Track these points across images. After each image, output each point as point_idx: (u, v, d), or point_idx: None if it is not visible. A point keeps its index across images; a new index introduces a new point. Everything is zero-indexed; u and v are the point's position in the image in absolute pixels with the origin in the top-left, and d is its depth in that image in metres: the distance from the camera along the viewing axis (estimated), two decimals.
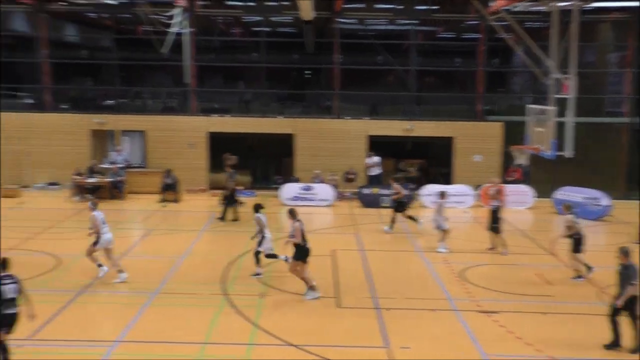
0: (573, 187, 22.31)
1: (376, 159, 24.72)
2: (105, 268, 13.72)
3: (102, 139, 26.37)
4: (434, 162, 28.17)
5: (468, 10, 26.25)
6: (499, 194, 17.32)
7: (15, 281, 9.11)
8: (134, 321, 11.39)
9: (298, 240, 12.72)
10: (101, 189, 23.40)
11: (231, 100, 29.42)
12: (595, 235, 18.27)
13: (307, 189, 23.54)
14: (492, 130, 25.72)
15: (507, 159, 24.47)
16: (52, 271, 14.05)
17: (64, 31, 31.36)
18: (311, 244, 17.20)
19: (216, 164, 24.38)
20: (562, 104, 18.71)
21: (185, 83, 26.39)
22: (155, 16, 24.56)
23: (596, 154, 25.50)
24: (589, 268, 14.42)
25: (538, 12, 22.72)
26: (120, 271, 13.72)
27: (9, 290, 8.96)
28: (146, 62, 27.82)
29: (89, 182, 23.26)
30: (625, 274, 10.27)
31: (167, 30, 23.86)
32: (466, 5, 25.39)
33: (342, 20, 27.49)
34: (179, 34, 24.68)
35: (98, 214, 13.70)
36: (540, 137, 19.03)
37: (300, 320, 11.70)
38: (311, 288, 12.75)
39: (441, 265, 15.49)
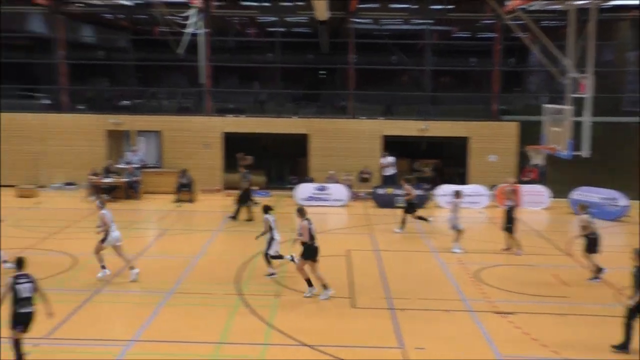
0: (590, 188, 22.10)
1: (391, 159, 24.65)
2: (107, 271, 13.77)
3: (118, 139, 26.55)
4: (448, 162, 28.03)
5: (483, 10, 26.11)
6: (514, 194, 17.19)
7: (31, 280, 9.18)
8: (149, 321, 11.44)
9: (305, 239, 12.69)
10: (117, 189, 23.57)
11: (246, 100, 29.48)
12: (612, 235, 18.08)
13: (322, 189, 23.53)
14: (507, 130, 25.56)
15: (523, 159, 24.31)
16: (68, 270, 14.14)
17: (81, 32, 31.62)
18: (325, 244, 17.17)
19: (231, 164, 24.46)
20: (578, 103, 18.55)
21: (200, 83, 26.52)
22: (171, 17, 24.68)
23: (614, 154, 25.21)
24: (600, 270, 14.28)
25: (554, 11, 22.55)
26: (132, 267, 13.83)
27: (24, 289, 9.04)
28: (162, 63, 27.97)
29: (105, 182, 23.42)
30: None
31: (183, 30, 23.99)
32: (482, 4, 25.26)
33: (357, 20, 27.46)
34: (194, 35, 24.83)
35: (107, 212, 13.80)
36: (557, 137, 18.89)
37: (314, 320, 11.69)
38: (324, 287, 12.74)
39: (456, 266, 15.42)
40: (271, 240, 14.00)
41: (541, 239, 18.65)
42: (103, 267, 13.79)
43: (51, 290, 10.28)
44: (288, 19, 29.73)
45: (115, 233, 13.80)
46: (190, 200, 23.36)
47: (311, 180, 24.51)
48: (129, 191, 23.76)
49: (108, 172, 23.84)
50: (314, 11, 23.03)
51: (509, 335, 11.05)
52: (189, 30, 24.22)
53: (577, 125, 18.33)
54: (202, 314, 11.93)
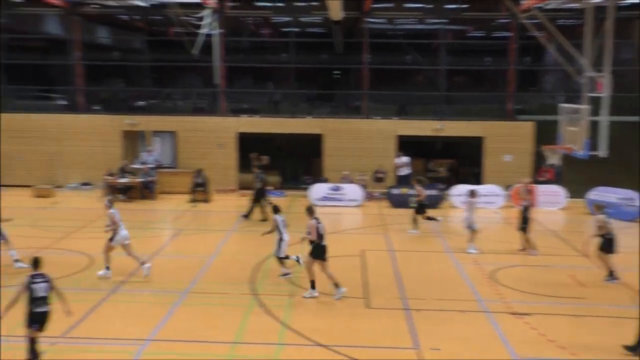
0: (607, 188, 21.88)
1: (405, 159, 24.58)
2: (109, 273, 13.86)
3: (134, 140, 26.71)
4: (464, 162, 27.90)
5: (498, 9, 25.97)
6: (529, 194, 17.07)
7: (47, 280, 9.25)
8: (165, 320, 11.49)
9: (313, 237, 12.66)
10: (132, 189, 23.71)
11: (260, 100, 29.54)
12: (629, 236, 17.87)
13: (336, 189, 23.52)
14: (523, 130, 25.40)
15: (539, 159, 24.12)
16: (85, 270, 14.23)
17: (97, 33, 31.86)
18: (340, 244, 17.22)
19: (245, 164, 24.52)
20: (595, 102, 18.37)
21: (215, 84, 26.61)
22: (186, 18, 24.78)
23: (631, 154, 24.91)
24: (612, 272, 14.15)
25: (571, 9, 22.37)
26: (143, 263, 13.94)
27: (40, 288, 9.11)
28: (177, 63, 28.12)
29: (121, 182, 23.57)
30: None
31: (198, 31, 24.11)
32: (496, 3, 25.12)
33: (371, 20, 27.43)
34: (209, 35, 24.93)
35: (115, 212, 13.92)
36: (573, 137, 18.72)
37: (329, 320, 11.68)
38: (336, 285, 12.73)
39: (471, 266, 15.34)
40: (280, 240, 14.02)
41: (557, 240, 18.51)
42: (107, 267, 13.91)
43: (68, 290, 10.35)
44: (302, 19, 29.76)
45: (123, 232, 13.92)
46: (205, 201, 23.43)
47: (325, 181, 24.49)
48: (145, 191, 23.89)
49: (124, 172, 23.99)
50: (328, 11, 23.02)
51: (525, 336, 10.97)
52: (204, 31, 24.33)
53: (594, 125, 18.16)
54: (217, 313, 11.96)
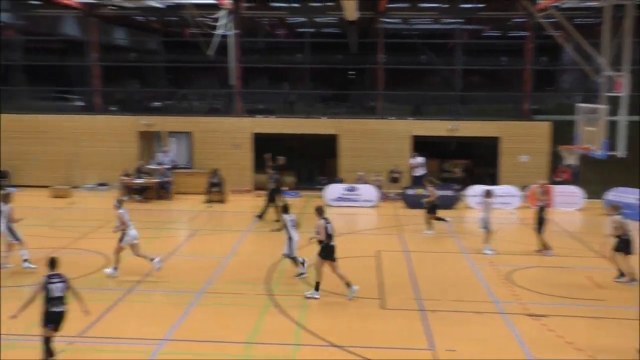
0: (626, 188, 21.64)
1: (420, 159, 24.50)
2: (116, 273, 13.97)
3: (150, 140, 26.85)
4: (479, 162, 27.75)
5: (515, 8, 25.80)
6: (545, 194, 16.95)
7: (63, 280, 9.31)
8: (181, 320, 11.54)
9: (322, 238, 12.65)
10: (149, 190, 23.84)
11: (275, 101, 29.59)
12: None
13: (351, 189, 23.50)
14: (539, 130, 25.20)
15: (556, 159, 23.94)
16: (101, 270, 14.32)
17: (113, 35, 32.09)
18: (355, 244, 17.24)
19: (261, 165, 24.55)
20: (613, 102, 18.20)
21: (230, 84, 26.68)
22: (202, 19, 24.90)
23: None
24: (622, 274, 14.01)
25: (589, 8, 22.15)
26: (152, 259, 14.08)
27: (56, 288, 9.18)
28: (192, 64, 28.22)
29: (137, 183, 23.71)
30: None
31: (213, 32, 24.20)
32: (513, 2, 24.96)
33: (386, 20, 27.37)
34: (224, 36, 25.02)
35: (124, 212, 14.03)
36: (591, 137, 18.58)
37: (344, 321, 11.67)
38: (347, 285, 12.71)
39: (487, 267, 15.25)
40: (289, 240, 14.04)
41: (574, 241, 18.36)
42: (115, 267, 14.02)
43: (84, 289, 10.43)
44: (317, 20, 29.77)
45: (132, 232, 14.05)
46: (221, 201, 23.50)
47: (341, 181, 24.47)
48: (161, 192, 24.02)
49: (140, 172, 24.13)
50: (343, 11, 23.00)
51: (542, 338, 10.89)
52: (219, 31, 24.43)
53: (612, 125, 17.99)
54: (233, 313, 11.99)
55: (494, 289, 13.57)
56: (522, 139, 25.16)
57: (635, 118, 19.92)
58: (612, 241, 14.19)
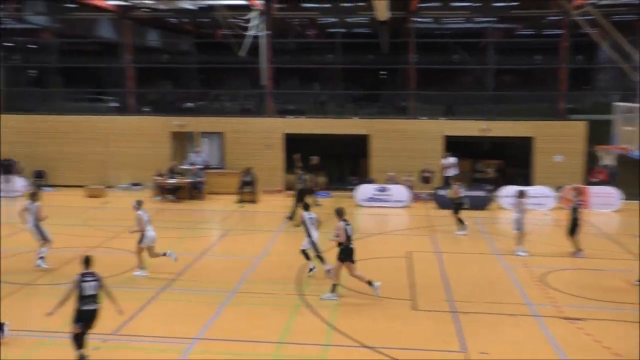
0: None
1: (452, 159, 24.28)
2: (146, 272, 14.14)
3: (182, 141, 27.10)
4: (512, 162, 27.37)
5: (549, 6, 25.39)
6: (579, 195, 16.66)
7: (97, 279, 9.42)
8: (213, 319, 11.61)
9: (342, 239, 12.60)
10: (181, 190, 24.07)
11: (307, 101, 29.62)
12: None
13: (382, 190, 23.39)
14: (575, 130, 24.72)
15: (592, 160, 23.50)
16: (134, 269, 14.48)
17: (147, 36, 32.52)
18: (386, 245, 17.16)
19: (292, 165, 24.61)
20: None
21: (261, 85, 26.80)
22: (233, 20, 25.07)
23: None
24: None
25: (627, 4, 21.69)
26: (164, 254, 14.24)
27: (89, 287, 9.30)
28: (224, 65, 28.42)
29: (170, 183, 23.95)
30: None
31: (245, 33, 24.34)
32: (547, 0, 24.56)
33: (418, 19, 27.19)
34: (255, 37, 25.16)
35: (142, 213, 14.12)
36: (629, 137, 18.13)
37: (375, 321, 11.61)
38: (369, 283, 12.63)
39: (520, 269, 15.02)
40: (308, 237, 14.10)
41: (611, 243, 17.97)
42: (142, 267, 14.19)
43: (118, 288, 10.58)
44: (348, 20, 29.73)
45: (150, 233, 14.16)
46: (253, 201, 23.59)
47: (372, 181, 24.38)
48: (193, 192, 24.22)
49: (173, 173, 24.37)
50: (375, 11, 22.93)
51: (578, 342, 10.68)
52: (251, 32, 24.57)
53: None
54: (264, 313, 12.03)
55: (527, 291, 13.36)
56: (557, 139, 24.73)
57: None
58: None
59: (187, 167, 25.11)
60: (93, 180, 25.38)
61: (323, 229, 14.56)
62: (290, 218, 20.34)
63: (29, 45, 31.99)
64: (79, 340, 9.30)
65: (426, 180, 24.58)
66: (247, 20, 24.75)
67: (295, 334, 11.00)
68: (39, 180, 25.71)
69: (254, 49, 25.52)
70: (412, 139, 25.29)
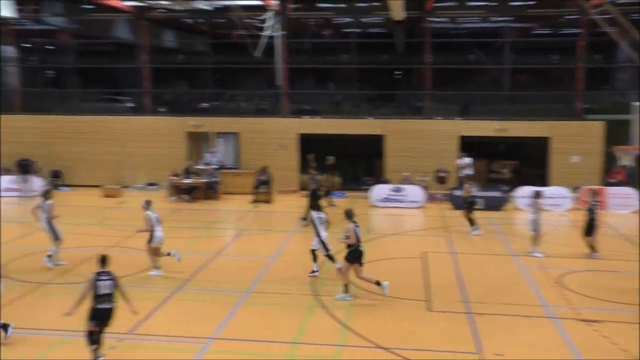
0: None
1: (468, 160, 24.17)
2: (161, 271, 14.23)
3: (198, 141, 27.22)
4: (528, 163, 27.17)
5: (567, 4, 25.17)
6: (596, 196, 16.52)
7: (112, 278, 9.49)
8: (227, 319, 11.64)
9: (353, 241, 12.57)
10: (196, 190, 24.17)
11: (322, 101, 29.61)
12: None
13: (397, 190, 23.33)
14: (592, 130, 24.49)
15: (610, 160, 23.25)
16: (150, 269, 14.55)
17: (163, 37, 32.69)
18: (401, 246, 17.11)
19: (307, 165, 24.60)
20: None
21: (277, 85, 26.83)
22: (249, 20, 25.12)
23: None
24: None
25: None
26: (169, 253, 14.34)
27: (104, 286, 9.36)
28: (240, 65, 28.49)
29: (185, 183, 24.06)
30: None
31: (260, 33, 24.37)
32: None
33: (433, 19, 27.08)
34: (271, 37, 25.19)
35: (151, 213, 14.19)
36: None
37: (389, 322, 11.58)
38: (377, 284, 12.60)
39: (536, 270, 14.91)
40: (317, 237, 14.11)
41: (629, 244, 17.76)
42: (156, 267, 14.27)
43: (134, 287, 10.64)
44: (364, 20, 29.67)
45: (159, 234, 14.23)
46: (267, 201, 23.63)
47: (387, 182, 24.32)
48: (208, 192, 24.31)
49: (188, 173, 24.48)
50: (390, 11, 22.87)
51: (595, 345, 10.57)
52: (266, 32, 24.60)
53: None
54: (279, 313, 12.04)
55: (543, 293, 13.26)
56: (574, 139, 24.52)
57: None
58: None
59: (202, 167, 25.21)
60: (109, 180, 25.56)
61: (333, 229, 14.55)
62: (305, 219, 20.33)
63: (47, 46, 32.30)
64: (93, 337, 9.37)
65: (441, 180, 24.47)
66: (263, 21, 24.79)
67: (309, 334, 11.00)
68: (56, 180, 25.96)
69: (270, 49, 25.56)
70: (427, 139, 25.20)
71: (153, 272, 14.21)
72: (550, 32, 30.63)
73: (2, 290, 10.58)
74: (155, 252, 14.30)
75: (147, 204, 14.45)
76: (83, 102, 29.03)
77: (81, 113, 27.42)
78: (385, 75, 31.54)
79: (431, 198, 23.69)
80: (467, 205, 18.94)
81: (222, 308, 12.16)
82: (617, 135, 22.52)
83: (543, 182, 24.18)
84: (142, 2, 26.06)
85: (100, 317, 9.32)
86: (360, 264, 12.67)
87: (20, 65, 29.50)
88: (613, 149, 21.32)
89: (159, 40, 31.67)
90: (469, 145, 24.95)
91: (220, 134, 26.88)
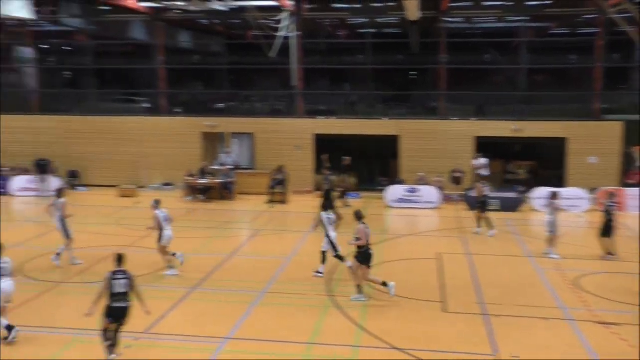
0: None
1: (483, 160, 24.03)
2: (176, 270, 14.28)
3: (213, 141, 27.28)
4: (545, 164, 26.95)
5: (584, 4, 24.94)
6: (613, 196, 16.37)
7: (128, 277, 9.55)
8: (243, 319, 11.66)
9: (364, 242, 12.53)
10: (212, 190, 24.24)
11: (337, 102, 29.60)
12: None
13: (412, 191, 23.25)
14: (610, 131, 24.23)
15: (627, 161, 23.01)
16: (166, 268, 14.62)
17: (179, 38, 32.86)
18: (416, 247, 17.06)
19: (321, 166, 24.59)
20: None
21: (292, 86, 26.85)
22: (264, 21, 25.16)
23: None
24: None
25: None
26: (174, 254, 14.39)
27: (119, 285, 9.43)
28: (255, 66, 28.56)
29: (201, 183, 24.15)
30: None
31: (275, 34, 24.41)
32: None
33: (449, 19, 26.95)
34: (286, 38, 25.23)
35: (160, 212, 14.27)
36: None
37: (405, 323, 11.54)
38: (384, 284, 12.57)
39: (553, 272, 14.78)
40: (327, 237, 14.12)
41: None
42: (170, 266, 14.32)
43: (150, 287, 10.68)
44: (379, 20, 29.62)
45: (168, 233, 14.29)
46: (283, 201, 23.64)
47: (402, 182, 24.24)
48: (224, 192, 24.38)
49: (203, 173, 24.56)
50: (405, 11, 22.80)
51: (614, 348, 10.45)
52: (281, 33, 24.64)
53: None
54: (294, 313, 12.05)
55: (560, 294, 13.15)
56: (592, 140, 24.28)
57: None
58: None
59: (217, 168, 25.28)
60: (125, 180, 25.70)
61: (344, 230, 14.53)
62: None
63: (64, 48, 32.62)
64: (107, 335, 9.44)
65: (456, 181, 24.34)
66: (278, 21, 24.84)
67: (324, 334, 11.00)
68: (73, 180, 26.17)
69: (285, 49, 25.59)
70: (442, 140, 25.08)
71: (168, 272, 14.27)
72: (567, 31, 30.38)
73: (14, 289, 10.62)
74: (162, 251, 14.37)
75: (156, 203, 14.54)
76: (100, 102, 29.24)
77: (98, 113, 27.63)
78: (400, 76, 31.47)
79: (446, 199, 23.57)
80: (479, 205, 18.86)
81: (237, 308, 12.19)
82: (635, 135, 22.27)
83: (560, 183, 23.97)
84: (158, 3, 26.20)
85: (115, 316, 9.39)
86: (368, 266, 12.66)
87: (38, 66, 29.78)
88: (631, 150, 21.09)
89: (174, 41, 31.83)
90: (484, 146, 24.79)
91: (235, 135, 26.95)
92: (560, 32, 30.29)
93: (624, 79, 29.08)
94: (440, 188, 23.55)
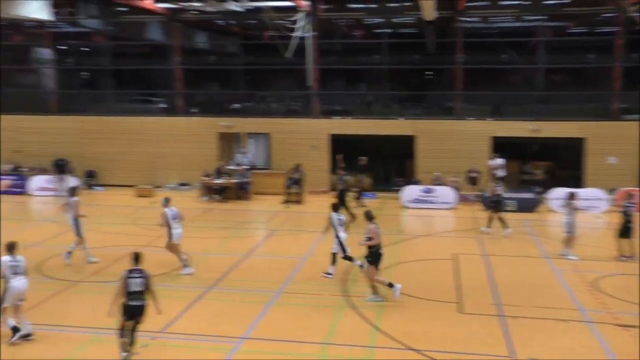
0: None
1: (500, 161, 23.87)
2: (191, 269, 14.35)
3: (229, 142, 27.36)
4: (562, 164, 26.70)
5: (603, 3, 24.68)
6: (632, 197, 16.20)
7: (144, 276, 9.60)
8: (258, 319, 11.68)
9: (375, 242, 12.50)
10: (228, 190, 24.32)
11: (353, 102, 29.55)
12: None
13: (428, 191, 23.16)
14: (629, 130, 23.93)
15: None
16: (182, 268, 14.69)
17: (195, 38, 33.00)
18: (432, 247, 16.99)
19: (337, 166, 24.56)
20: None
21: (308, 86, 26.86)
22: (280, 21, 25.20)
23: None
24: None
25: None
26: (186, 265, 14.40)
27: (134, 283, 9.48)
28: (271, 66, 28.60)
29: (217, 183, 24.23)
30: None
31: (291, 34, 24.44)
32: None
33: (465, 19, 26.81)
34: (302, 38, 25.25)
35: (169, 211, 14.35)
36: None
37: (420, 324, 11.49)
38: (390, 286, 12.52)
39: (570, 273, 14.65)
40: (337, 238, 14.09)
41: None
42: (185, 265, 14.37)
43: (165, 286, 10.73)
44: (395, 20, 29.54)
45: (176, 231, 14.39)
46: (298, 202, 23.65)
47: (417, 183, 24.15)
48: (240, 192, 24.44)
49: (219, 173, 24.64)
50: (421, 11, 22.72)
51: (634, 350, 10.31)
52: (297, 33, 24.67)
53: None
54: (309, 314, 12.04)
55: (578, 296, 13.02)
56: (610, 140, 24.02)
57: None
58: None
59: (233, 168, 25.36)
60: (142, 180, 25.86)
61: (355, 230, 14.50)
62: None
63: (82, 48, 32.90)
64: (123, 332, 9.51)
65: (473, 181, 24.20)
66: (294, 22, 24.86)
67: (340, 334, 10.98)
68: (90, 179, 26.39)
69: (300, 50, 25.60)
70: (458, 140, 24.95)
71: (184, 271, 14.33)
72: (586, 30, 30.08)
73: (27, 287, 10.68)
74: (172, 249, 14.42)
75: (166, 201, 14.67)
76: (117, 103, 29.44)
77: (115, 114, 27.84)
78: (416, 76, 31.35)
79: (462, 199, 23.45)
80: (492, 205, 18.75)
81: (253, 308, 12.21)
82: None
83: (578, 183, 23.75)
84: (174, 4, 26.35)
85: (130, 314, 9.45)
86: (377, 266, 12.63)
87: (56, 67, 30.06)
88: None
89: (191, 41, 31.98)
90: (501, 146, 24.63)
91: (251, 135, 27.01)
92: (579, 31, 29.98)
93: None
94: (456, 188, 23.43)
